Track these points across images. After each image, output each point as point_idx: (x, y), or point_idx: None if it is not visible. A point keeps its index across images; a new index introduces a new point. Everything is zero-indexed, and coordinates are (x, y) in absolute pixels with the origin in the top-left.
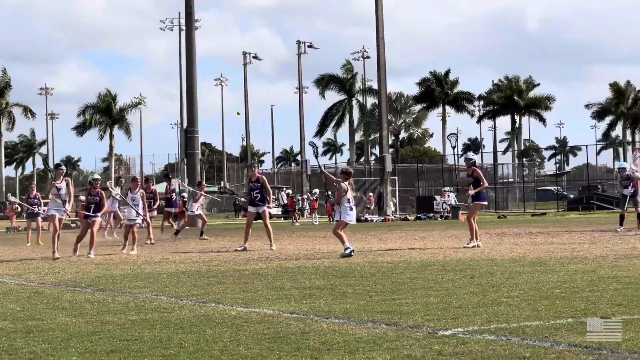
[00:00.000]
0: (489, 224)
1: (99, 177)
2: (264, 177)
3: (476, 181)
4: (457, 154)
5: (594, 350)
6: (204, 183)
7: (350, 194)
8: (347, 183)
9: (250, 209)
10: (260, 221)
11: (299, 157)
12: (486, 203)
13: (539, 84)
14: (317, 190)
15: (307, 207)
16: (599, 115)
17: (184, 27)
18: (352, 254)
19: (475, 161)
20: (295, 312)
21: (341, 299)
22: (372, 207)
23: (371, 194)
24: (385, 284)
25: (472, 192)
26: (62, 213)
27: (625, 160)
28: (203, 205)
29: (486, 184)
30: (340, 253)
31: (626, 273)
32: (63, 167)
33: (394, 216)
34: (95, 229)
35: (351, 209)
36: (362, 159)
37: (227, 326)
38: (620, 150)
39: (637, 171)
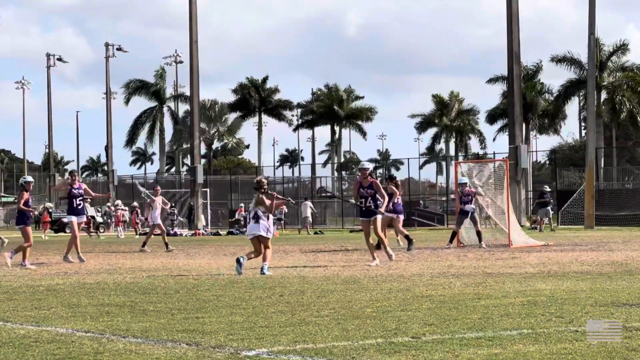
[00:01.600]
0: (303, 241)
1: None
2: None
3: (375, 194)
4: (275, 166)
5: None
6: (158, 187)
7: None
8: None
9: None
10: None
11: (106, 167)
12: (402, 216)
13: (363, 96)
14: (119, 202)
15: (112, 219)
16: (422, 127)
17: None
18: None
19: (371, 171)
20: (91, 330)
21: (141, 316)
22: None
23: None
24: (189, 301)
25: (383, 209)
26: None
27: (462, 175)
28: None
29: (386, 196)
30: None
31: (441, 292)
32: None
33: (205, 230)
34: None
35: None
36: (173, 170)
37: (14, 346)
38: (444, 164)
39: (479, 187)
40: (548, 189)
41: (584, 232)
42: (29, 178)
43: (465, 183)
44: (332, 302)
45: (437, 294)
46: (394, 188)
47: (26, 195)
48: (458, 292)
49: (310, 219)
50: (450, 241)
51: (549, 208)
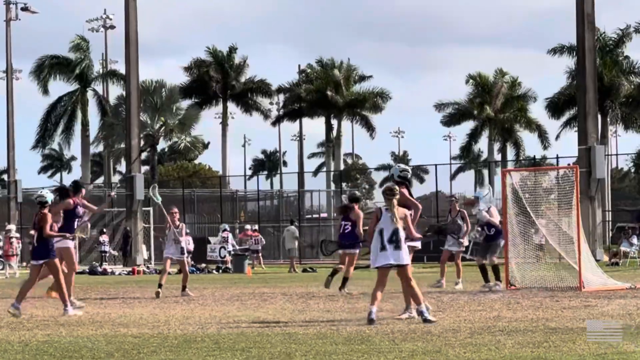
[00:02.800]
0: (288, 282)
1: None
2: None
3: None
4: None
5: None
6: (174, 210)
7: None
8: None
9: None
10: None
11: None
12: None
13: (371, 76)
14: (12, 227)
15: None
16: (454, 120)
17: None
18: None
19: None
20: None
21: None
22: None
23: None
24: None
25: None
26: None
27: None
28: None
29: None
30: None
31: (486, 355)
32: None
33: (147, 266)
34: None
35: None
36: (101, 180)
37: None
38: (486, 172)
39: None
40: None
41: None
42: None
43: (480, 197)
44: None
45: (480, 357)
46: (358, 212)
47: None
48: (510, 356)
49: (296, 250)
50: (487, 280)
51: None
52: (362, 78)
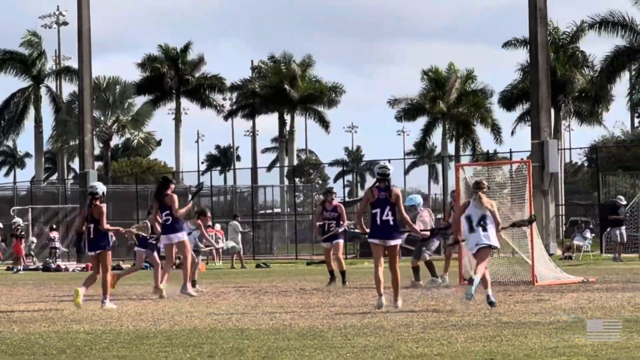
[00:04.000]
0: (240, 276)
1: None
2: None
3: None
4: (199, 171)
5: None
6: (208, 214)
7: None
8: None
9: None
10: None
11: None
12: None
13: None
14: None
15: None
16: (408, 115)
17: None
18: None
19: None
20: None
21: None
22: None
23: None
24: None
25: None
26: None
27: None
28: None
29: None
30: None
31: (438, 349)
32: None
33: None
34: None
35: None
36: (55, 177)
37: None
38: (439, 167)
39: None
40: (623, 202)
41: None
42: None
43: (416, 205)
44: None
45: (432, 352)
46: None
47: None
48: (462, 350)
49: (239, 245)
50: (434, 275)
51: (623, 229)
52: (316, 80)
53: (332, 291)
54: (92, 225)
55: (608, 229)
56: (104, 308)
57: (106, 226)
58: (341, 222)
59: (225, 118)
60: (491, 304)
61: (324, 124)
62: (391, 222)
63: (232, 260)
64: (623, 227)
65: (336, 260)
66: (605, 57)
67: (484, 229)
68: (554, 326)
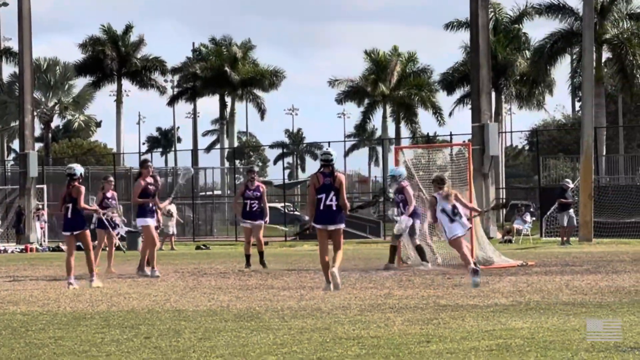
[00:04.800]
0: (180, 258)
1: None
2: None
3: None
4: (140, 152)
5: None
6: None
7: None
8: None
9: None
10: None
11: None
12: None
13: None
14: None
15: None
16: (349, 97)
17: None
18: None
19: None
20: None
21: None
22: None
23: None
24: (16, 346)
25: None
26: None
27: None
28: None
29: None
30: None
31: (375, 332)
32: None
33: (40, 245)
34: None
35: None
36: None
37: None
38: (380, 149)
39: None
40: (571, 184)
41: (578, 247)
42: None
43: (397, 176)
44: (220, 346)
45: (369, 334)
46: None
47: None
48: (399, 333)
49: (173, 227)
50: (391, 260)
51: (572, 212)
52: (254, 64)
53: (270, 273)
54: (69, 205)
55: (552, 211)
56: (93, 286)
57: (84, 205)
58: (263, 204)
59: (169, 103)
60: (476, 272)
61: (261, 110)
62: (334, 207)
63: (172, 242)
64: (571, 210)
65: (257, 241)
66: (544, 39)
67: (460, 216)
68: (492, 309)
